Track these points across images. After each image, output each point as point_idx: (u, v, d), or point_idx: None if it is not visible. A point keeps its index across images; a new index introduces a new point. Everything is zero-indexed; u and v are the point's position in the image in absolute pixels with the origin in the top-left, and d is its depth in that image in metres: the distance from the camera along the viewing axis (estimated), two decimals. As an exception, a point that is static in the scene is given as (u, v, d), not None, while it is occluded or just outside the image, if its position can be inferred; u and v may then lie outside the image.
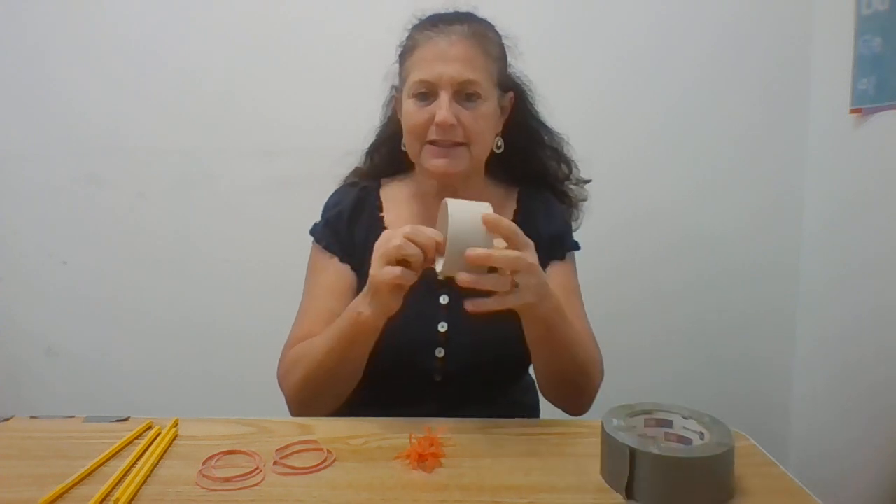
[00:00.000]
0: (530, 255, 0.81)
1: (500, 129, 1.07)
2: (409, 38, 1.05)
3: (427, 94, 0.99)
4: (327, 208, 1.11)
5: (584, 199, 1.19)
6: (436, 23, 1.02)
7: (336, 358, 0.92)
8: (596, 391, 1.01)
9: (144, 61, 1.68)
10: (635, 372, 1.62)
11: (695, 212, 1.72)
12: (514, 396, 1.10)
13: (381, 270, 0.82)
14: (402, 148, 1.06)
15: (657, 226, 1.72)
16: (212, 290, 1.75)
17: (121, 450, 0.80)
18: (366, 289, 0.87)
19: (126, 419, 0.89)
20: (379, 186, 1.12)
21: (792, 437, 1.73)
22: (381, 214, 1.08)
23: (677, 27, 1.65)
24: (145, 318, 1.77)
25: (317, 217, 1.11)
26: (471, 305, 0.81)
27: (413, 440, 0.79)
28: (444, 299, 1.02)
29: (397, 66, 1.07)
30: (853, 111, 1.45)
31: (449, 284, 0.83)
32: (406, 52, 1.04)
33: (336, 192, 1.14)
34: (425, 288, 0.87)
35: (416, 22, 1.06)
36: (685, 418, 0.77)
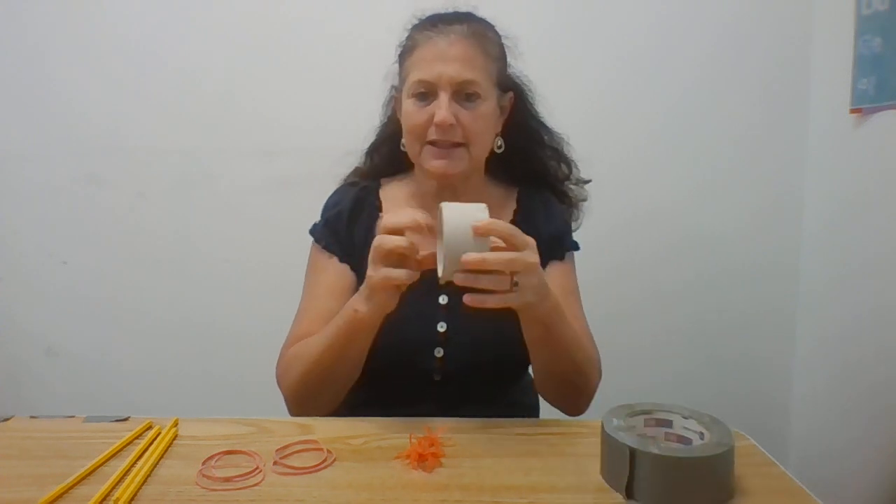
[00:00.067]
0: (530, 255, 0.81)
1: (499, 128, 1.07)
2: (408, 38, 1.05)
3: (426, 93, 0.99)
4: (327, 208, 1.11)
5: (584, 199, 1.19)
6: (435, 23, 1.02)
7: (333, 356, 0.92)
8: (594, 392, 1.01)
9: (144, 61, 1.68)
10: (635, 372, 1.63)
11: (695, 212, 1.72)
12: (514, 396, 1.10)
13: (377, 271, 0.82)
14: (402, 148, 1.06)
15: (657, 226, 1.72)
16: (212, 290, 1.75)
17: (121, 450, 0.80)
18: (363, 287, 0.87)
19: (126, 419, 0.89)
20: (379, 186, 1.12)
21: (792, 437, 1.73)
22: (381, 214, 1.08)
23: (677, 27, 1.65)
24: (145, 318, 1.77)
25: (317, 217, 1.11)
26: (470, 299, 0.80)
27: (413, 440, 0.79)
28: (443, 299, 1.02)
29: (397, 66, 1.07)
30: (853, 111, 1.45)
31: (449, 285, 0.83)
32: (405, 52, 1.04)
33: (336, 192, 1.14)
34: (425, 288, 0.87)
35: (416, 22, 1.06)
36: (685, 418, 0.77)
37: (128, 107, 1.70)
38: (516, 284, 0.81)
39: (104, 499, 0.70)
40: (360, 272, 1.03)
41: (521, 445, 0.83)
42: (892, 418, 1.34)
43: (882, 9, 1.36)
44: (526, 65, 1.13)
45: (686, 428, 0.76)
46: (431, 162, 1.00)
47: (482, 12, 1.07)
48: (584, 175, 1.19)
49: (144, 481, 0.73)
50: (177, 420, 0.87)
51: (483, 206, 0.81)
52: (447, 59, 0.97)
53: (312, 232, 1.10)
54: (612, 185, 1.49)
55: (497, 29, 1.07)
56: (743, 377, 1.75)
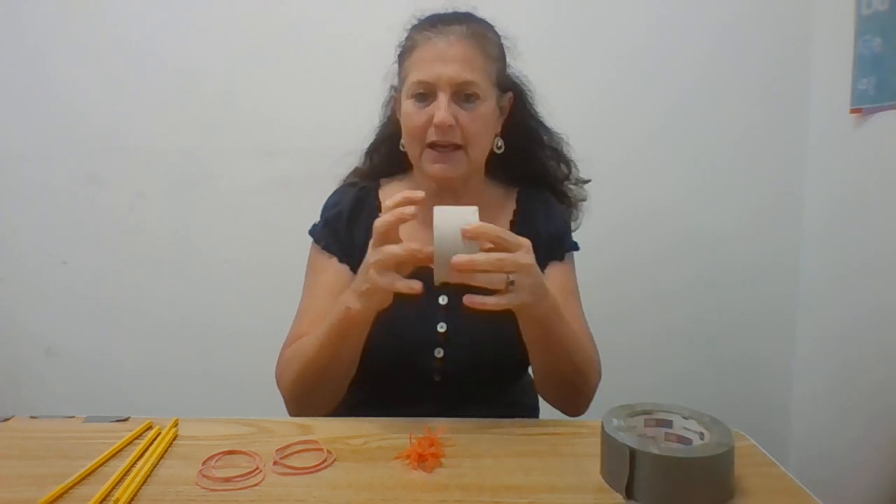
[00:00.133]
0: (523, 256, 0.81)
1: (499, 129, 1.07)
2: (407, 38, 1.05)
3: (426, 94, 0.99)
4: (326, 208, 1.11)
5: (584, 199, 1.19)
6: (434, 23, 1.02)
7: (328, 354, 0.92)
8: (593, 392, 1.01)
9: (144, 61, 1.68)
10: (635, 372, 1.63)
11: (695, 212, 1.72)
12: (514, 396, 1.10)
13: (384, 275, 0.82)
14: (401, 148, 1.06)
15: (657, 226, 1.72)
16: (212, 290, 1.75)
17: (121, 450, 0.80)
18: (356, 284, 0.87)
19: (126, 419, 0.89)
20: (378, 187, 1.12)
21: (792, 437, 1.73)
22: (381, 215, 1.08)
23: (677, 27, 1.65)
24: (145, 318, 1.77)
25: (317, 217, 1.11)
26: (468, 300, 0.81)
27: (413, 440, 0.79)
28: (443, 299, 1.02)
29: (396, 66, 1.07)
30: (853, 111, 1.45)
31: (448, 286, 0.83)
32: (405, 53, 1.04)
33: (335, 192, 1.14)
34: (425, 288, 0.87)
35: (415, 22, 1.06)
36: (685, 418, 0.77)
37: (128, 107, 1.70)
38: (512, 284, 0.81)
39: (104, 499, 0.69)
40: (359, 272, 1.04)
41: (521, 445, 0.83)
42: (892, 418, 1.34)
43: (882, 9, 1.36)
44: (526, 65, 1.13)
45: (686, 428, 0.76)
46: (431, 166, 1.00)
47: (482, 12, 1.07)
48: (583, 175, 1.19)
49: (144, 481, 0.73)
50: (177, 420, 0.87)
51: (474, 208, 0.82)
52: (446, 60, 0.97)
53: (312, 232, 1.10)
54: (612, 185, 1.49)
55: (496, 29, 1.07)
56: (743, 377, 1.75)
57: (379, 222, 0.83)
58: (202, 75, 1.69)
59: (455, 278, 0.80)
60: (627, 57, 1.66)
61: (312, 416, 0.93)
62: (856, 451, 1.45)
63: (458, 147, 0.99)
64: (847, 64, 1.45)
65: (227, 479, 0.73)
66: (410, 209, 0.82)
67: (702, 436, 0.74)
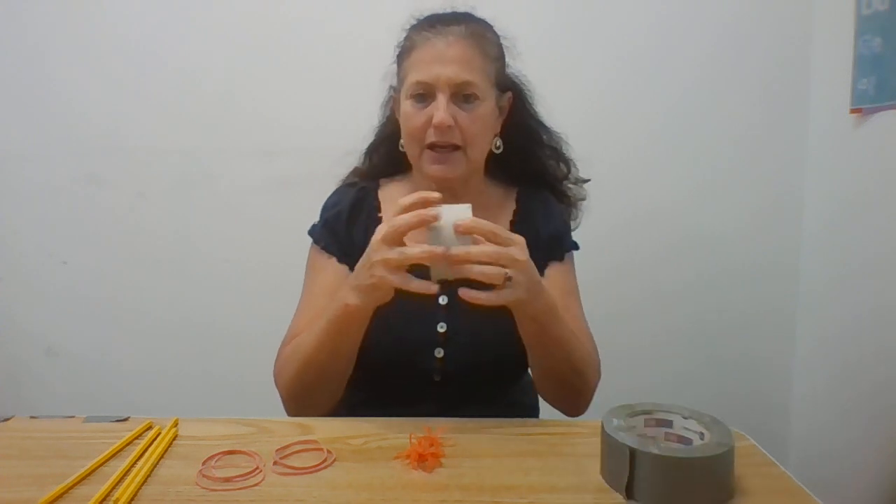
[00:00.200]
0: (518, 252, 0.82)
1: (498, 129, 1.07)
2: (406, 38, 1.05)
3: (425, 95, 0.99)
4: (326, 209, 1.11)
5: (583, 199, 1.19)
6: (433, 23, 1.01)
7: (327, 350, 0.92)
8: (592, 392, 1.01)
9: (144, 61, 1.68)
10: (635, 372, 1.63)
11: (695, 212, 1.72)
12: (514, 396, 1.10)
13: (395, 274, 0.82)
14: (401, 148, 1.06)
15: (657, 226, 1.72)
16: (212, 290, 1.75)
17: (121, 450, 0.80)
18: (356, 279, 0.87)
19: (126, 419, 0.89)
20: (377, 187, 1.12)
21: (792, 437, 1.73)
22: (380, 215, 1.08)
23: (677, 27, 1.65)
24: (145, 318, 1.77)
25: (316, 217, 1.11)
26: (463, 292, 0.81)
27: (413, 440, 0.79)
28: (443, 299, 1.02)
29: (395, 66, 1.07)
30: (853, 111, 1.45)
31: (448, 285, 0.84)
32: (404, 53, 1.04)
33: (335, 192, 1.14)
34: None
35: (414, 22, 1.05)
36: (685, 418, 0.77)
37: (128, 107, 1.70)
38: (510, 279, 0.81)
39: (104, 499, 0.69)
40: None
41: (521, 445, 0.83)
42: (892, 418, 1.34)
43: (882, 9, 1.36)
44: (525, 65, 1.13)
45: (686, 428, 0.76)
46: (430, 167, 1.00)
47: (481, 12, 1.07)
48: (583, 174, 1.19)
49: (144, 481, 0.73)
50: (177, 420, 0.87)
51: (467, 205, 0.83)
52: (445, 61, 0.97)
53: (311, 233, 1.10)
54: (612, 185, 1.49)
55: (495, 29, 1.07)
56: (743, 377, 1.75)
57: (399, 221, 0.82)
58: (202, 75, 1.69)
59: (452, 274, 0.80)
60: (627, 57, 1.66)
61: (310, 415, 0.93)
62: (856, 451, 1.45)
63: (457, 148, 1.00)
64: (847, 64, 1.45)
65: (227, 479, 0.73)
66: (434, 212, 0.82)
67: (702, 436, 0.74)
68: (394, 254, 0.82)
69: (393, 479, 0.74)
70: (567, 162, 1.16)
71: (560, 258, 1.09)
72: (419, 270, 0.83)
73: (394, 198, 1.09)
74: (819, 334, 1.64)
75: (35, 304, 1.78)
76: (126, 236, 1.75)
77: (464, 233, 0.80)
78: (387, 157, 1.14)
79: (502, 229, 0.83)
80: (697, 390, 1.69)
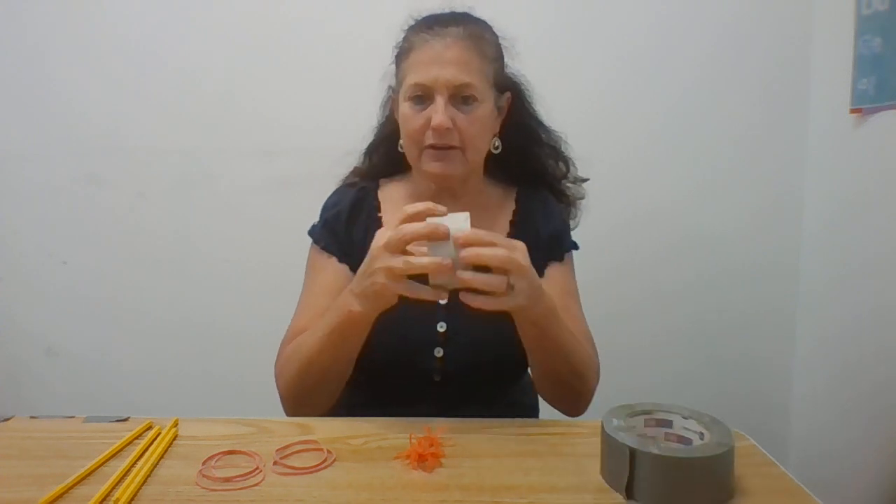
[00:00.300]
0: (520, 258, 0.82)
1: (497, 130, 1.07)
2: (404, 39, 1.04)
3: (423, 97, 0.99)
4: (326, 209, 1.11)
5: (582, 198, 1.19)
6: (431, 24, 1.01)
7: (329, 355, 0.92)
8: (592, 393, 1.01)
9: (144, 61, 1.68)
10: (635, 372, 1.63)
11: (695, 212, 1.72)
12: (514, 396, 1.10)
13: (399, 284, 0.81)
14: (400, 149, 1.06)
15: (657, 226, 1.72)
16: (212, 290, 1.75)
17: (121, 450, 0.80)
18: (359, 286, 0.86)
19: (126, 419, 0.89)
20: (377, 187, 1.12)
21: (792, 437, 1.73)
22: (380, 215, 1.08)
23: (677, 27, 1.65)
24: (145, 318, 1.77)
25: (316, 217, 1.11)
26: (464, 297, 0.81)
27: (413, 440, 0.79)
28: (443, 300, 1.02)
29: (393, 66, 1.07)
30: (853, 111, 1.45)
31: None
32: (402, 54, 1.04)
33: (334, 192, 1.14)
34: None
35: (412, 23, 1.05)
36: (685, 418, 0.77)
37: (128, 107, 1.70)
38: (511, 287, 0.81)
39: (104, 499, 0.69)
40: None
41: (521, 445, 0.83)
42: (892, 418, 1.34)
43: (882, 9, 1.36)
44: (525, 65, 1.13)
45: (686, 428, 0.76)
46: (430, 164, 1.00)
47: (480, 12, 1.06)
48: (583, 174, 1.19)
49: (144, 481, 0.73)
50: (177, 420, 0.87)
51: (465, 214, 0.82)
52: (443, 63, 0.97)
53: (311, 233, 1.10)
54: (612, 185, 1.49)
55: (494, 29, 1.07)
56: (743, 377, 1.75)
57: (407, 230, 0.81)
58: (202, 75, 1.69)
59: (452, 283, 0.80)
60: (627, 57, 1.66)
61: (308, 415, 0.93)
62: (856, 451, 1.45)
63: (455, 147, 0.99)
64: (847, 64, 1.45)
65: (227, 479, 0.73)
66: (445, 228, 0.80)
67: (702, 436, 0.74)
68: (397, 262, 0.81)
69: (393, 479, 0.74)
70: (566, 161, 1.16)
71: (560, 258, 1.08)
72: (418, 277, 0.83)
73: (393, 198, 1.10)
74: (819, 334, 1.64)
75: (35, 304, 1.78)
76: (126, 236, 1.75)
77: (463, 245, 0.80)
78: (386, 157, 1.14)
79: (502, 237, 0.82)
80: (697, 390, 1.69)
